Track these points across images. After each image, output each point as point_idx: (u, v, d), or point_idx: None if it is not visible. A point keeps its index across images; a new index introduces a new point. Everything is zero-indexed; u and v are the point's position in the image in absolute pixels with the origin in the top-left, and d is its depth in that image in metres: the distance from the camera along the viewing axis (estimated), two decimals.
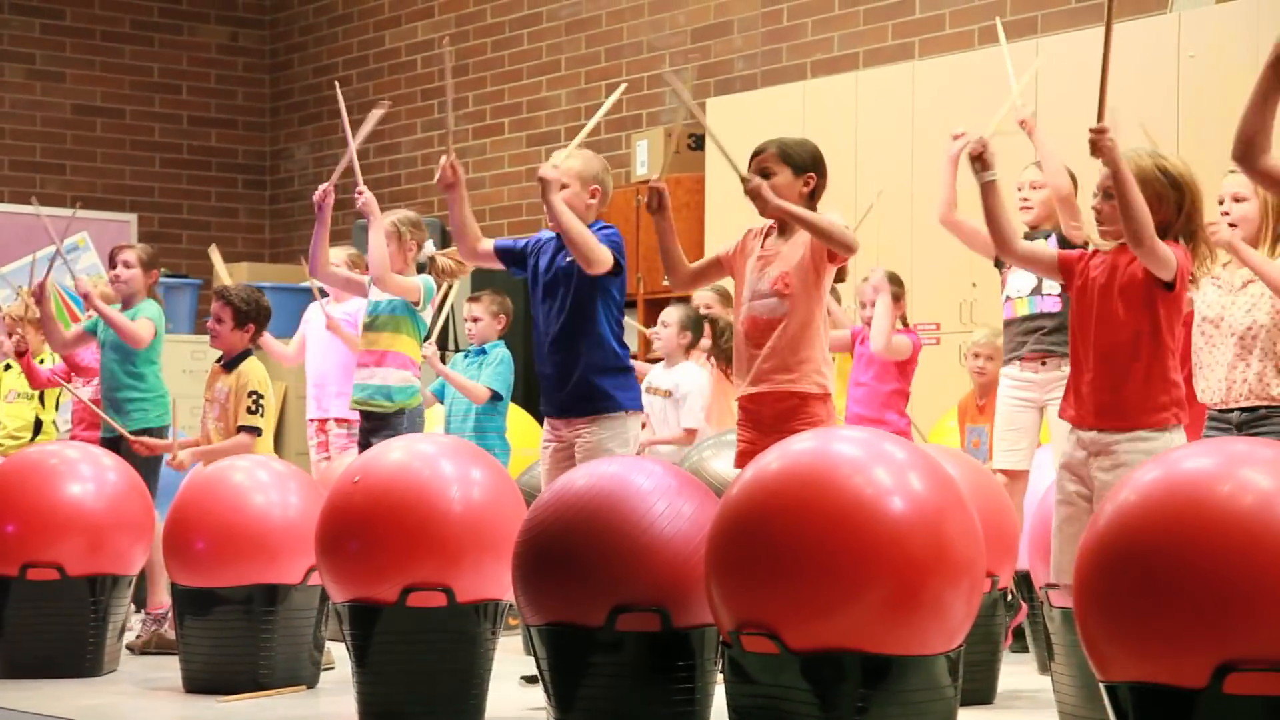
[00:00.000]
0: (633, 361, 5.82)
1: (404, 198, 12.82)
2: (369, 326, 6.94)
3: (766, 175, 4.93)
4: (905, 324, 7.22)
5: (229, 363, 6.75)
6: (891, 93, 9.01)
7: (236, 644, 5.84)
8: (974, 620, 4.05)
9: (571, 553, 4.52)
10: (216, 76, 13.82)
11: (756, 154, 5.01)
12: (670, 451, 7.34)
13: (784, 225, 4.96)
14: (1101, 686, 3.41)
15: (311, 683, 5.96)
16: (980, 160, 4.46)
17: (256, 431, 6.65)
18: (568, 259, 5.43)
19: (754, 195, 4.82)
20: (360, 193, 6.76)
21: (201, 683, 5.88)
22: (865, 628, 3.81)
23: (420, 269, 7.06)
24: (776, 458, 4.04)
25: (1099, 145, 4.09)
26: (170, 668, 6.19)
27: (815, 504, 3.86)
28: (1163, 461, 3.47)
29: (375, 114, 6.59)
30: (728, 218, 9.74)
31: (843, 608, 3.80)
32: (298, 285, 12.41)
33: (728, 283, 8.47)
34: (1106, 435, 4.17)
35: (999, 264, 6.09)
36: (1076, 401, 4.17)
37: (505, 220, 12.06)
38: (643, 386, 7.74)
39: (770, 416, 4.85)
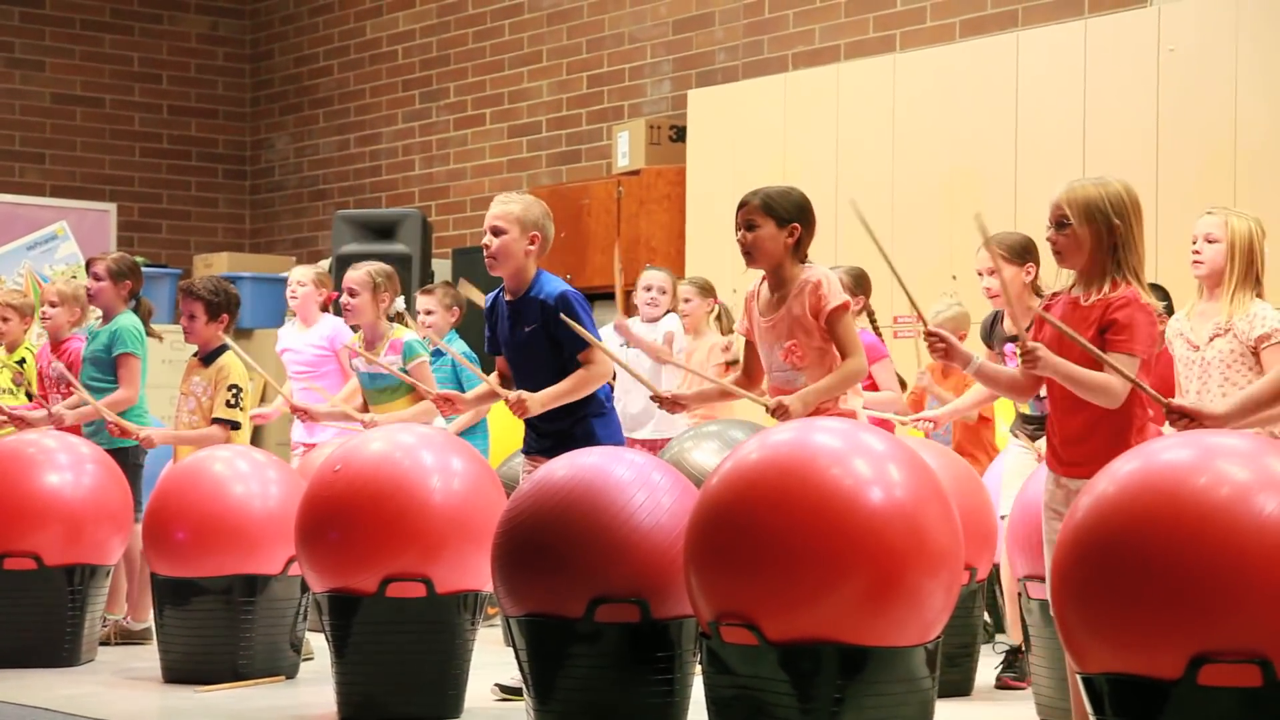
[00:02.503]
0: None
1: (385, 188, 12.81)
2: (375, 398, 6.82)
3: (751, 227, 4.88)
4: (874, 322, 7.14)
5: (206, 357, 6.71)
6: (873, 85, 9.02)
7: (216, 634, 5.83)
8: (952, 611, 4.06)
9: (551, 543, 4.52)
10: (197, 66, 13.78)
11: (741, 206, 4.96)
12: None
13: (773, 281, 4.91)
14: (1078, 678, 3.42)
15: (291, 673, 5.96)
16: (951, 356, 4.28)
17: (234, 425, 6.58)
18: (529, 328, 5.39)
19: (777, 413, 4.66)
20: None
21: (180, 673, 5.88)
22: (843, 619, 3.82)
23: (390, 319, 7.00)
24: (756, 448, 4.05)
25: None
26: (149, 658, 6.18)
27: (794, 495, 3.86)
28: (1140, 453, 3.48)
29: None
30: (709, 210, 9.75)
31: (821, 599, 3.81)
32: (277, 275, 12.40)
33: (713, 275, 8.49)
34: (1077, 483, 4.06)
35: (988, 344, 6.00)
36: (1050, 451, 4.14)
37: (486, 211, 12.03)
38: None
39: None
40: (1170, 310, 5.61)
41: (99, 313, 7.22)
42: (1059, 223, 4.05)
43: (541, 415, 5.31)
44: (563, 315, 5.23)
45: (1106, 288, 4.00)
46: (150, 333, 7.13)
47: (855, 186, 8.99)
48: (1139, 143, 7.97)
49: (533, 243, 5.45)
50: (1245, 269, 5.13)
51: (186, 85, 13.72)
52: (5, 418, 7.26)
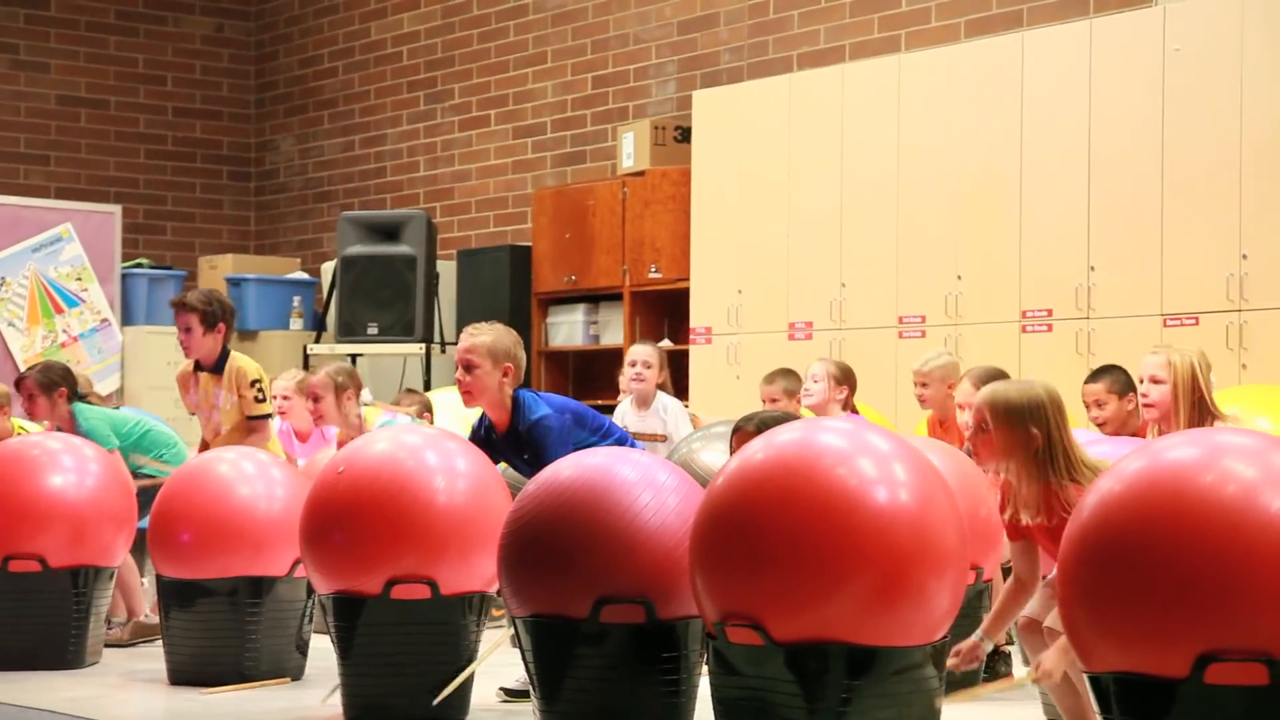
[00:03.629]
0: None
1: (389, 189, 12.81)
2: None
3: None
4: (855, 409, 7.17)
5: (212, 367, 6.77)
6: (878, 86, 9.01)
7: (222, 636, 5.82)
8: (958, 611, 4.05)
9: (556, 544, 4.51)
10: (201, 68, 13.78)
11: (736, 429, 5.13)
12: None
13: None
14: (1085, 677, 3.42)
15: (296, 675, 5.95)
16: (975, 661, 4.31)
17: (269, 418, 6.78)
18: (526, 457, 5.50)
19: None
20: None
21: (186, 675, 5.87)
22: (850, 619, 3.81)
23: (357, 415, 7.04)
24: (761, 449, 4.04)
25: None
26: (154, 659, 6.18)
27: (800, 495, 3.86)
28: (1146, 452, 3.47)
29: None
30: (714, 211, 9.74)
31: (827, 599, 3.80)
32: (282, 277, 12.40)
33: (717, 275, 8.44)
34: None
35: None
36: None
37: (491, 213, 12.05)
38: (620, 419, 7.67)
39: None
40: (1132, 387, 5.85)
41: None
42: (979, 425, 4.12)
43: None
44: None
45: (1056, 500, 4.03)
46: (100, 399, 7.31)
47: (860, 187, 8.99)
48: (1144, 142, 7.95)
49: (506, 374, 5.51)
50: (1192, 405, 5.41)
51: (191, 87, 13.73)
52: None
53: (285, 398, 7.90)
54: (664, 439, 7.48)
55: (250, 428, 6.74)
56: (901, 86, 8.90)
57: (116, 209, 12.37)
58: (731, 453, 5.09)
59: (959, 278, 8.57)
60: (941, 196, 8.69)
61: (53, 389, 7.03)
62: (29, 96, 13.07)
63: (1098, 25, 8.29)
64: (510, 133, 11.96)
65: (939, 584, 3.91)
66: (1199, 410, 5.44)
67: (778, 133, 9.43)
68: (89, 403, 7.23)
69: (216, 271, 12.37)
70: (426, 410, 7.89)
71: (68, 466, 6.31)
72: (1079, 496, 3.92)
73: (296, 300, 12.22)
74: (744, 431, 5.05)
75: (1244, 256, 7.60)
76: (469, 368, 5.52)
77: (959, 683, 5.46)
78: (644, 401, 7.63)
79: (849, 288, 9.03)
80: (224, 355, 6.76)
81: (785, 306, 9.31)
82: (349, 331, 10.57)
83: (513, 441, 5.57)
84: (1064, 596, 3.42)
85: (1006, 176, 8.44)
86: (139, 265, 12.37)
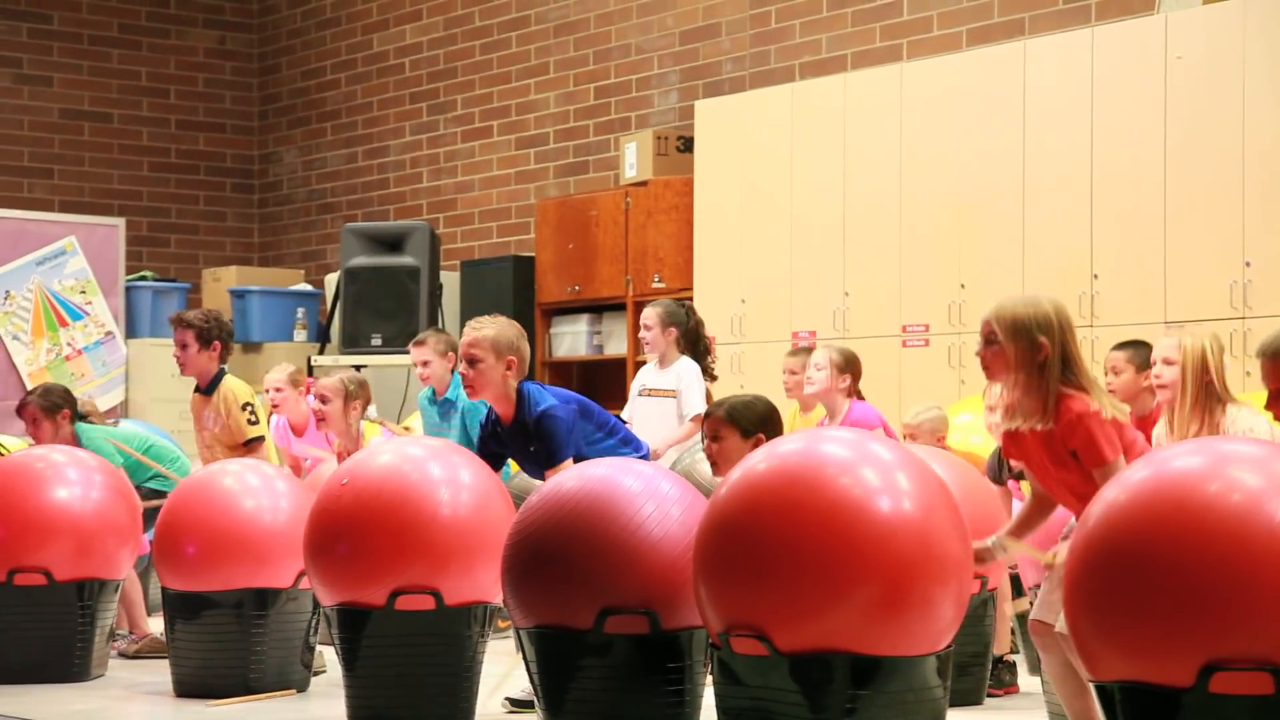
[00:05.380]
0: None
1: (392, 200, 12.82)
2: None
3: (717, 438, 5.04)
4: (860, 395, 7.14)
5: (207, 388, 6.79)
6: (880, 95, 9.02)
7: (227, 648, 5.83)
8: (963, 620, 4.05)
9: (560, 555, 4.51)
10: (204, 80, 13.81)
11: (707, 415, 5.15)
12: (685, 447, 7.27)
13: None
14: (1091, 686, 3.41)
15: (302, 686, 5.95)
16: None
17: (263, 440, 6.78)
18: (533, 449, 5.53)
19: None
20: None
21: (192, 687, 5.87)
22: (854, 628, 3.81)
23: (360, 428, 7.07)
24: (764, 459, 4.04)
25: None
26: (160, 672, 6.18)
27: (803, 505, 3.86)
28: (1151, 460, 3.47)
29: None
30: (717, 220, 9.74)
31: (831, 608, 3.80)
32: (285, 289, 12.41)
33: (721, 285, 8.40)
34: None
35: (997, 480, 6.08)
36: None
37: (494, 223, 12.06)
38: (636, 390, 7.74)
39: None
40: (1147, 364, 5.89)
41: None
42: (987, 338, 4.16)
43: None
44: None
45: (1051, 411, 4.07)
46: (101, 418, 7.42)
47: (863, 196, 8.99)
48: (1147, 151, 7.96)
49: (509, 367, 5.52)
50: (1200, 387, 5.42)
51: (194, 99, 13.75)
52: None
53: (278, 389, 7.89)
54: (673, 395, 7.52)
55: (246, 451, 6.74)
56: (903, 95, 8.91)
57: (120, 222, 12.39)
58: (703, 438, 5.11)
59: (962, 286, 8.57)
60: (944, 205, 8.69)
61: (55, 411, 7.06)
62: (32, 110, 13.09)
63: (1099, 34, 8.29)
64: (513, 143, 11.97)
65: (943, 593, 3.91)
66: (1207, 394, 5.43)
67: (780, 142, 9.44)
68: (90, 422, 7.26)
69: (220, 284, 12.37)
70: (452, 349, 7.86)
71: (73, 480, 6.31)
72: (1082, 408, 4.03)
73: (300, 312, 12.22)
74: (714, 418, 5.07)
75: (1247, 264, 7.60)
76: (472, 361, 5.53)
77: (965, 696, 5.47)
78: (664, 361, 7.69)
79: (852, 296, 9.03)
80: (218, 377, 6.79)
81: (788, 316, 9.31)
82: (353, 343, 10.58)
83: (519, 433, 5.57)
84: (1070, 605, 3.42)
85: (1009, 185, 8.44)
86: (143, 278, 12.38)
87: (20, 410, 7.22)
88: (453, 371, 7.35)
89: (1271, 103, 7.61)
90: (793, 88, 9.64)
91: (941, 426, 6.90)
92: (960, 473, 5.55)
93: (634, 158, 10.50)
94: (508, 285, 10.95)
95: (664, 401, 7.55)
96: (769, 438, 4.92)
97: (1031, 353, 4.09)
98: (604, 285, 10.53)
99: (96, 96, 13.32)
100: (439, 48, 12.50)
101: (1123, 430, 4.11)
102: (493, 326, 5.57)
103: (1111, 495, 3.40)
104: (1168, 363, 5.51)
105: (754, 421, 5.04)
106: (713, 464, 5.08)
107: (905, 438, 6.94)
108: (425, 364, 7.45)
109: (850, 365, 7.01)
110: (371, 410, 7.10)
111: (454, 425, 7.27)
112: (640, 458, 5.62)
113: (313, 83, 13.51)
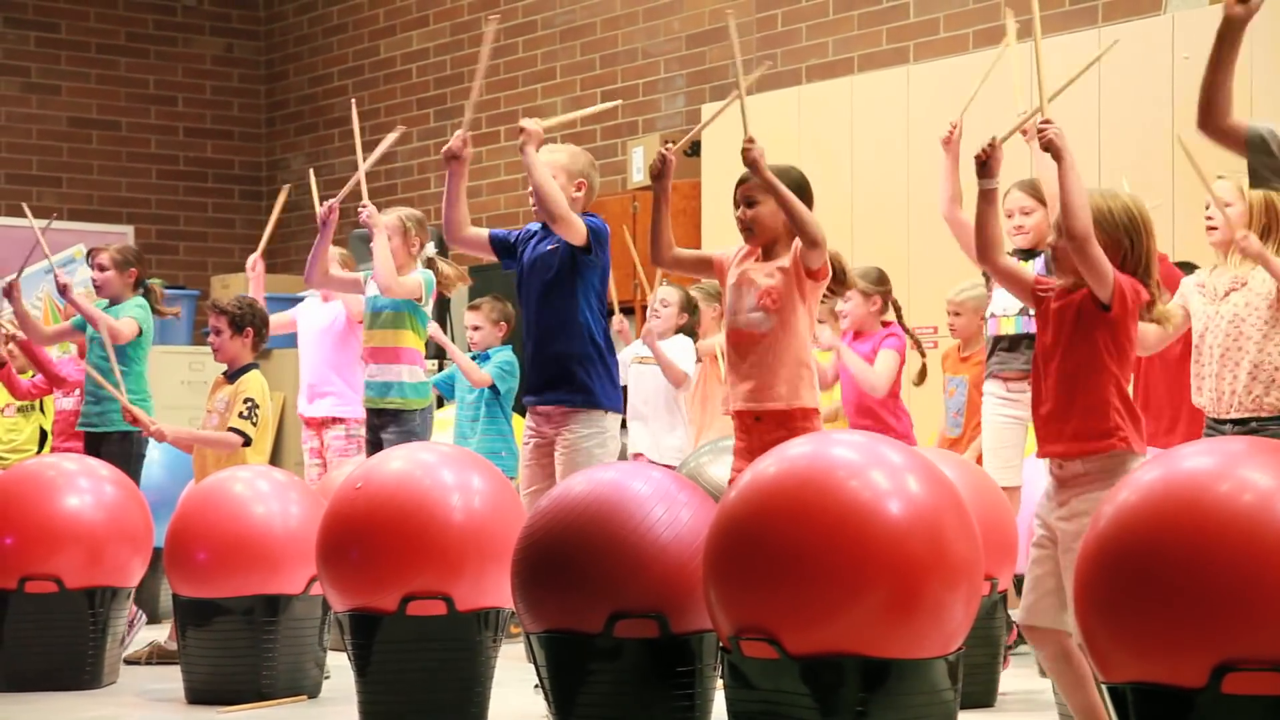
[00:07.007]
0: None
1: (401, 206, 12.82)
2: (373, 324, 6.95)
3: (751, 204, 4.92)
4: (887, 322, 7.20)
5: (233, 374, 6.74)
6: (886, 97, 9.02)
7: (239, 655, 5.83)
8: (973, 623, 4.05)
9: (569, 559, 4.52)
10: (212, 88, 13.83)
11: (741, 183, 5.02)
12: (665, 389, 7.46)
13: (766, 251, 4.95)
14: (1102, 687, 3.41)
15: (314, 693, 5.96)
16: (986, 166, 4.42)
17: (244, 437, 6.56)
18: (550, 246, 5.49)
19: (751, 163, 4.82)
20: (364, 207, 6.77)
21: (203, 694, 5.88)
22: (864, 631, 3.81)
23: (423, 265, 7.10)
24: (773, 462, 4.04)
25: (1045, 136, 4.14)
26: (172, 679, 6.19)
27: (813, 508, 3.86)
28: (1162, 461, 3.47)
29: (391, 136, 6.58)
30: (723, 224, 9.73)
31: (841, 611, 3.80)
32: (295, 295, 12.41)
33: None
34: (1060, 469, 4.08)
35: (988, 277, 6.12)
36: (1036, 430, 4.15)
37: (502, 228, 12.07)
38: (628, 361, 7.86)
39: (758, 431, 4.84)
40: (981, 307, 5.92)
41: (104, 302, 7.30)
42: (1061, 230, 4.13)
43: (537, 351, 5.53)
44: None
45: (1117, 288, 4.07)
46: (161, 313, 7.22)
47: (870, 198, 8.99)
48: (1154, 150, 7.95)
49: (579, 189, 5.58)
50: (1267, 228, 5.34)
51: (202, 107, 13.77)
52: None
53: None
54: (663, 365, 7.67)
55: (225, 440, 6.61)
56: (910, 98, 8.91)
57: (129, 229, 12.42)
58: (735, 205, 5.01)
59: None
60: None
61: (126, 267, 7.22)
62: (41, 119, 13.12)
63: (1106, 34, 8.28)
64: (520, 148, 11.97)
65: (953, 596, 3.91)
66: (1271, 237, 5.37)
67: (786, 144, 9.43)
68: (155, 307, 7.26)
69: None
70: (505, 319, 7.99)
71: (83, 488, 6.32)
72: (1134, 288, 4.02)
73: None
74: (749, 184, 4.98)
75: None
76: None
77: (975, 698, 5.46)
78: (661, 337, 7.81)
79: None
80: (247, 368, 6.72)
81: None
82: None
83: (549, 231, 5.56)
84: (1081, 606, 3.42)
85: None
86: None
87: (91, 257, 7.37)
88: (501, 340, 7.86)
89: (1278, 102, 7.60)
90: (799, 91, 9.64)
91: (985, 304, 6.98)
92: (970, 475, 5.55)
93: (641, 161, 10.51)
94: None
95: (658, 371, 7.72)
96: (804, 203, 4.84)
97: (1115, 248, 4.09)
98: (613, 288, 10.53)
99: (104, 105, 13.35)
100: (446, 53, 12.52)
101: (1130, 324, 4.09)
102: (565, 152, 5.66)
103: (1123, 496, 3.40)
104: (1227, 205, 5.44)
105: (790, 187, 4.89)
106: (746, 231, 4.94)
107: (950, 314, 7.15)
108: (476, 329, 7.81)
109: (880, 284, 7.15)
110: (430, 248, 7.16)
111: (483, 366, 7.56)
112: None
113: (320, 89, 13.53)
